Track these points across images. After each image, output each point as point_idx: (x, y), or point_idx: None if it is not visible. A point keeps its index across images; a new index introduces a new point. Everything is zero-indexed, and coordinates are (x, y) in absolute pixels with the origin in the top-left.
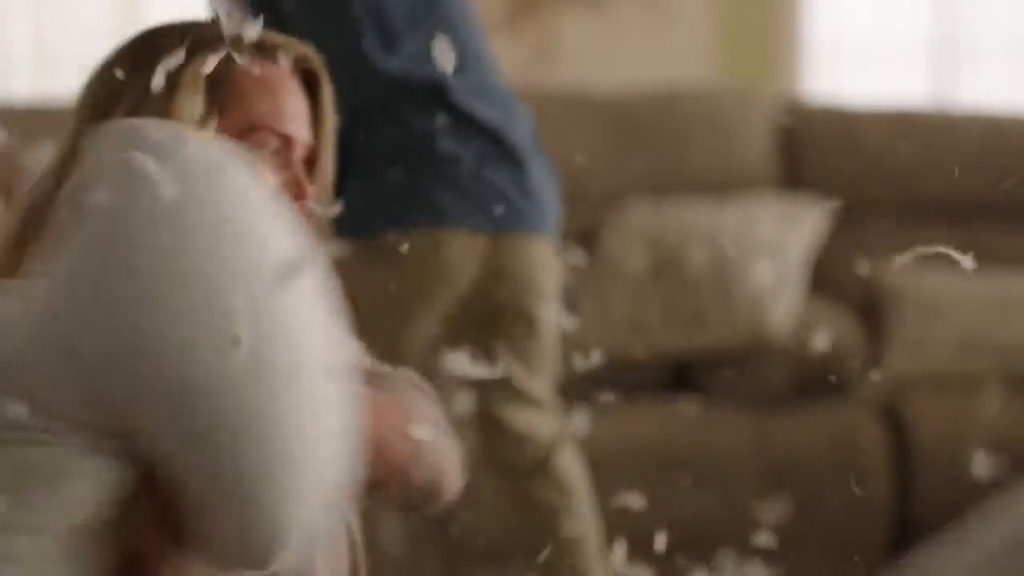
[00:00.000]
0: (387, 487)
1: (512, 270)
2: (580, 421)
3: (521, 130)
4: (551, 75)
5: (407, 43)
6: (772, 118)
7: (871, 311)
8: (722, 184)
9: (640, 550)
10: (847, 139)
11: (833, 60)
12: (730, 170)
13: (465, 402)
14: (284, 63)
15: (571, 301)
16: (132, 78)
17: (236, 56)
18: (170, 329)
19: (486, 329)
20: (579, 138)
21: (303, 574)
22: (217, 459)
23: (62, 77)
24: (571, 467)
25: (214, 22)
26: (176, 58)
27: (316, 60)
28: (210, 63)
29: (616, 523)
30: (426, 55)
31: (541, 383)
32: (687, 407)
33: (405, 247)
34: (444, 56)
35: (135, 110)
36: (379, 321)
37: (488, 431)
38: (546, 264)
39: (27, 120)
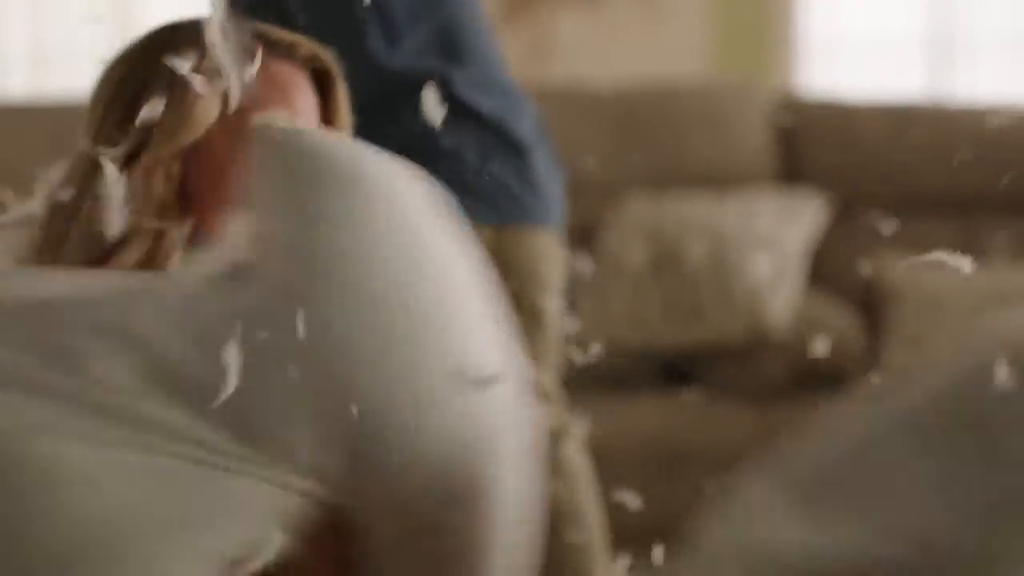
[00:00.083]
0: None
1: (517, 262)
2: (579, 415)
3: (525, 123)
4: (547, 71)
5: (409, 38)
6: (770, 112)
7: (870, 304)
8: (721, 178)
9: (639, 543)
10: (845, 133)
11: (828, 56)
12: (729, 164)
13: None
14: (294, 60)
15: (571, 296)
16: (148, 76)
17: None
18: (407, 385)
19: None
20: (578, 133)
21: None
22: (425, 522)
23: (57, 76)
24: (576, 459)
25: (223, 20)
26: (192, 55)
27: (327, 58)
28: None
29: (615, 516)
30: (428, 50)
31: (546, 375)
32: (686, 400)
33: None
34: (432, 110)
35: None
36: None
37: None
38: (551, 256)
39: (22, 118)
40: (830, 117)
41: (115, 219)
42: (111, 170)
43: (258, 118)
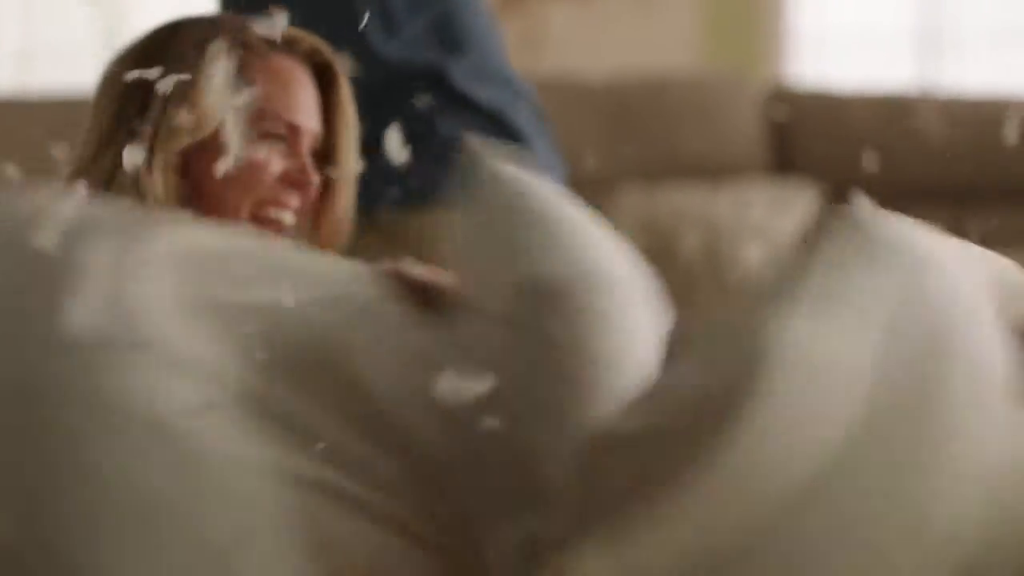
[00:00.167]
0: None
1: None
2: None
3: (525, 114)
4: (538, 64)
5: (408, 29)
6: (762, 104)
7: None
8: (713, 170)
9: None
10: (837, 124)
11: (817, 48)
12: (721, 156)
13: None
14: (295, 55)
15: None
16: (156, 72)
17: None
18: None
19: None
20: (571, 125)
21: None
22: None
23: (45, 71)
24: None
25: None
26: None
27: (328, 53)
28: (234, 55)
29: None
30: (427, 41)
31: None
32: None
33: (404, 225)
34: (395, 149)
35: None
36: None
37: None
38: None
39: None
40: (822, 108)
41: None
42: (131, 170)
43: None
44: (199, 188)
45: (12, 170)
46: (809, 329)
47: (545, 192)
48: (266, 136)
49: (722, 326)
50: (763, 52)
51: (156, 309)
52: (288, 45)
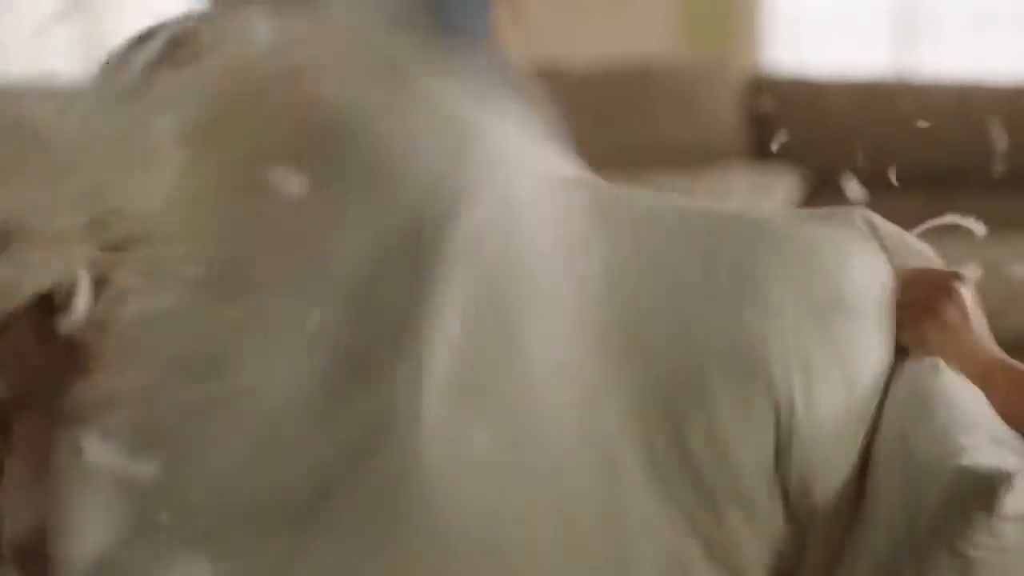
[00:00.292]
0: None
1: None
2: None
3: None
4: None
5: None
6: (741, 90)
7: None
8: (693, 157)
9: None
10: (816, 110)
11: (794, 33)
12: (701, 143)
13: None
14: None
15: None
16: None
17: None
18: None
19: None
20: (549, 113)
21: None
22: None
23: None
24: None
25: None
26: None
27: None
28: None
29: None
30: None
31: None
32: None
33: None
34: None
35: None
36: None
37: None
38: None
39: None
40: (801, 94)
41: None
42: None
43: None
44: None
45: None
46: None
47: None
48: None
49: None
50: (741, 38)
51: None
52: None
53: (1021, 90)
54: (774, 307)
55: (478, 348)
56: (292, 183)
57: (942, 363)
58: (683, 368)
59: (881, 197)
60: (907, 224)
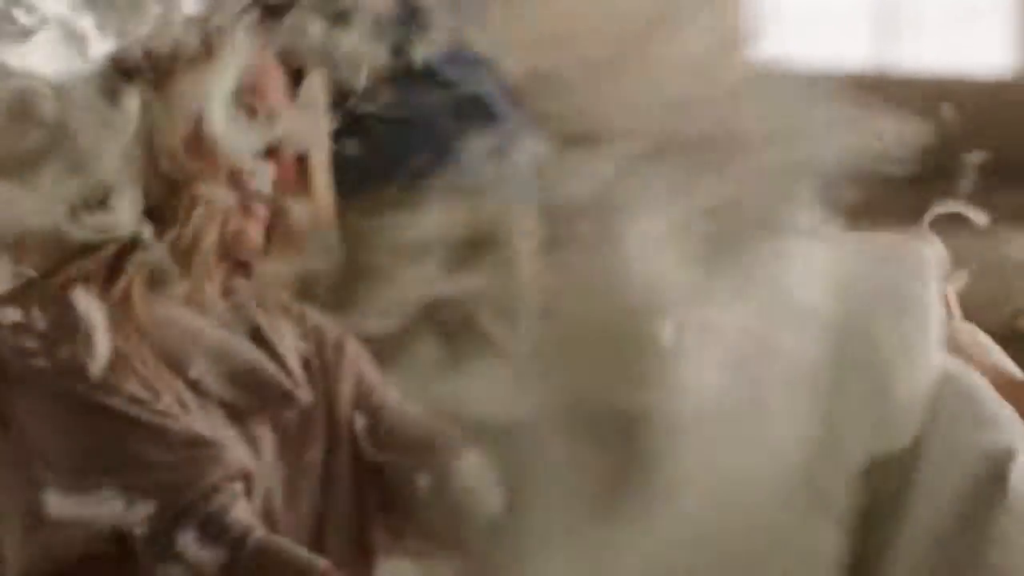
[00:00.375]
0: None
1: None
2: None
3: (495, 91)
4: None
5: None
6: None
7: None
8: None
9: None
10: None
11: (774, 27)
12: None
13: None
14: (267, 54)
15: None
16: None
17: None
18: None
19: None
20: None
21: None
22: None
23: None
24: None
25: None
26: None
27: (301, 56)
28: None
29: None
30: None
31: None
32: None
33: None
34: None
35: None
36: None
37: None
38: None
39: None
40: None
41: None
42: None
43: None
44: None
45: None
46: None
47: None
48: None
49: None
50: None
51: None
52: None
53: (1002, 84)
54: None
55: None
56: None
57: None
58: None
59: (873, 191)
60: (901, 217)
